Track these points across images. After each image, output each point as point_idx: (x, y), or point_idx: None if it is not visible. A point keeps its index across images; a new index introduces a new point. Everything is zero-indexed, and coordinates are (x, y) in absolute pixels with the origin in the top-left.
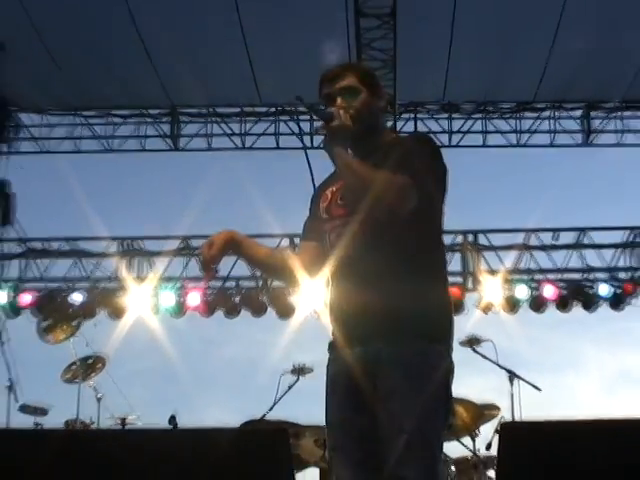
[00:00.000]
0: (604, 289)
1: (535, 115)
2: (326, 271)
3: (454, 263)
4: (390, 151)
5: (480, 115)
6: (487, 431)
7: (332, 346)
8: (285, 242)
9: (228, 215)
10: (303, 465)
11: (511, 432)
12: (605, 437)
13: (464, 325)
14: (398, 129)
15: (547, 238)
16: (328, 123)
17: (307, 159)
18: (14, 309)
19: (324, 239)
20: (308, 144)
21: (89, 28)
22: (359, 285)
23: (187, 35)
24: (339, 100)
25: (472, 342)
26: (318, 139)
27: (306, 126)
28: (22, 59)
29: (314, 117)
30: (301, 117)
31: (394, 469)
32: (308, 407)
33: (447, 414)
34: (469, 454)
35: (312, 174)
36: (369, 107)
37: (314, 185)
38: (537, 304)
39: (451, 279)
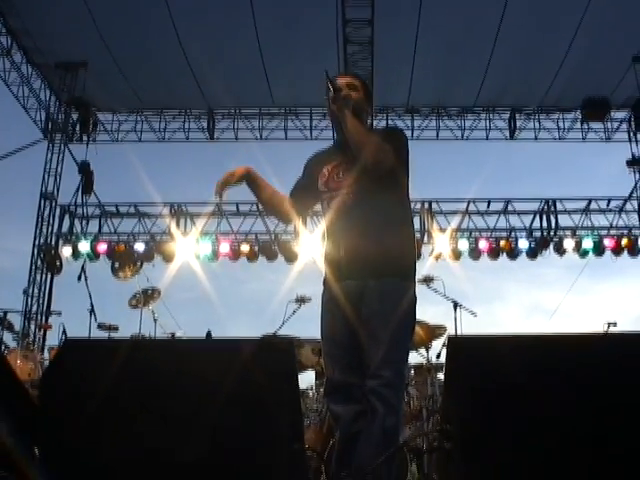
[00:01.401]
0: (523, 244)
1: (475, 117)
2: (324, 225)
3: (414, 223)
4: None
5: (434, 116)
6: (437, 345)
7: (325, 281)
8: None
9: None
10: (303, 368)
11: (454, 343)
12: (524, 350)
13: (421, 268)
14: (374, 127)
15: (482, 206)
16: (337, 92)
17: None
18: (93, 255)
19: (322, 206)
20: (308, 136)
21: (148, 50)
22: (350, 236)
23: (220, 55)
24: (344, 88)
25: (427, 280)
26: (315, 132)
27: (306, 123)
28: (99, 73)
29: (330, 85)
30: (302, 117)
31: (374, 370)
32: (307, 326)
33: (412, 332)
34: (424, 361)
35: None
36: (359, 101)
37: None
38: (474, 254)
39: None
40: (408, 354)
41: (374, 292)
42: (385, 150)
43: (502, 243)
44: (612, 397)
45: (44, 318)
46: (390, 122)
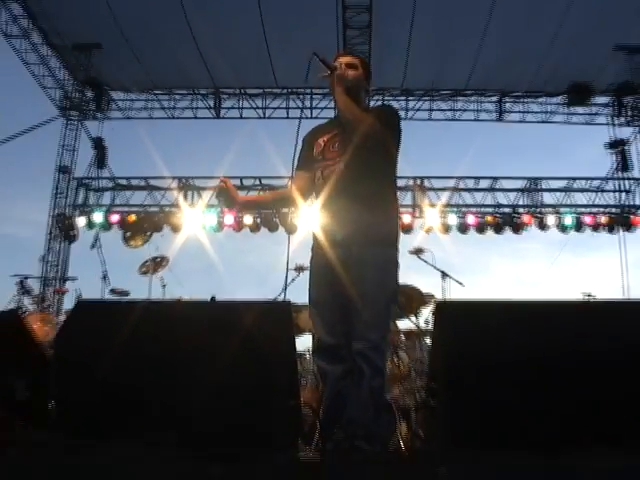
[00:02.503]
0: (508, 219)
1: (465, 99)
2: (320, 198)
3: (407, 198)
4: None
5: (427, 98)
6: (426, 312)
7: (315, 247)
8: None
9: (252, 163)
10: (300, 331)
11: (441, 307)
12: (511, 316)
13: (413, 240)
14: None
15: (471, 183)
16: (332, 72)
17: (299, 125)
18: (106, 225)
19: (317, 175)
20: (308, 114)
21: (159, 33)
22: (343, 205)
23: (226, 39)
24: (343, 66)
25: (418, 252)
26: (315, 111)
27: (307, 103)
28: (113, 54)
29: (325, 64)
30: (302, 97)
31: (362, 333)
32: (305, 293)
33: (396, 297)
34: (414, 327)
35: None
36: (358, 80)
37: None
38: (463, 228)
39: (403, 209)
40: (391, 317)
41: (363, 259)
42: (376, 129)
43: (488, 218)
44: (592, 359)
45: (61, 283)
46: (386, 103)
